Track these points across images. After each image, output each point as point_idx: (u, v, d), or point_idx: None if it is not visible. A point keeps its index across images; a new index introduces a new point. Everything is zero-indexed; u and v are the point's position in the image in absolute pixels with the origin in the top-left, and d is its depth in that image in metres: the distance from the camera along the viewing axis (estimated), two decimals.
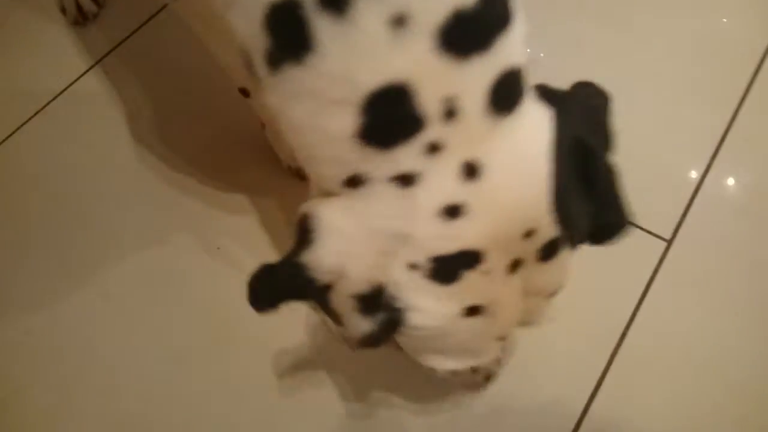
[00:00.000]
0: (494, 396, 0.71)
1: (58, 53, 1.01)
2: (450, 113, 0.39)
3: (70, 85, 0.98)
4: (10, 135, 0.95)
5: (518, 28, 0.41)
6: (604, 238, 0.48)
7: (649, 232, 0.79)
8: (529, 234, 0.42)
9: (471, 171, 0.40)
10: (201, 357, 0.77)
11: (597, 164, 0.44)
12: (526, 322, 0.50)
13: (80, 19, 1.03)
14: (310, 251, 0.42)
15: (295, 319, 0.78)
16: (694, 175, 0.84)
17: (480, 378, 0.65)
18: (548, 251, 0.44)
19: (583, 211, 0.45)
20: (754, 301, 0.76)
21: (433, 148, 0.39)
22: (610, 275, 0.75)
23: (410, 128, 0.39)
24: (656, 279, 0.76)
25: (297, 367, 0.76)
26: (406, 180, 0.40)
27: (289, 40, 0.38)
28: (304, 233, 0.43)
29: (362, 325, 0.44)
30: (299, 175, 0.86)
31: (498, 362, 0.65)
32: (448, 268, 0.42)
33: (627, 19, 0.98)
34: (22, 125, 0.96)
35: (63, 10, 1.04)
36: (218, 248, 0.84)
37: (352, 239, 0.42)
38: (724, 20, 0.95)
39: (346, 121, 0.39)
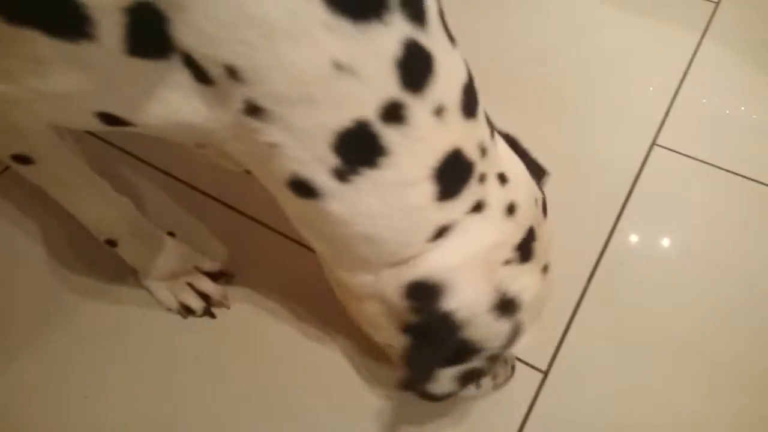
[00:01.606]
0: None
1: None
2: (483, 152, 0.51)
3: None
4: None
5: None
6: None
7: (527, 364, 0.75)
8: (536, 201, 0.58)
9: (503, 179, 0.54)
10: None
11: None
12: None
13: None
14: (451, 297, 0.51)
15: None
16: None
17: (508, 369, 0.72)
18: (545, 207, 0.61)
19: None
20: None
21: (482, 178, 0.51)
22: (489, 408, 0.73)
23: (467, 174, 0.50)
24: (533, 410, 0.72)
25: None
26: (478, 208, 0.51)
27: (361, 153, 0.45)
28: (432, 289, 0.51)
29: (503, 328, 0.55)
30: None
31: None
32: (525, 249, 0.55)
33: None
34: None
35: None
36: None
37: (471, 267, 0.52)
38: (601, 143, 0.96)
39: (425, 192, 0.48)
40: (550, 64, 1.07)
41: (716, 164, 0.93)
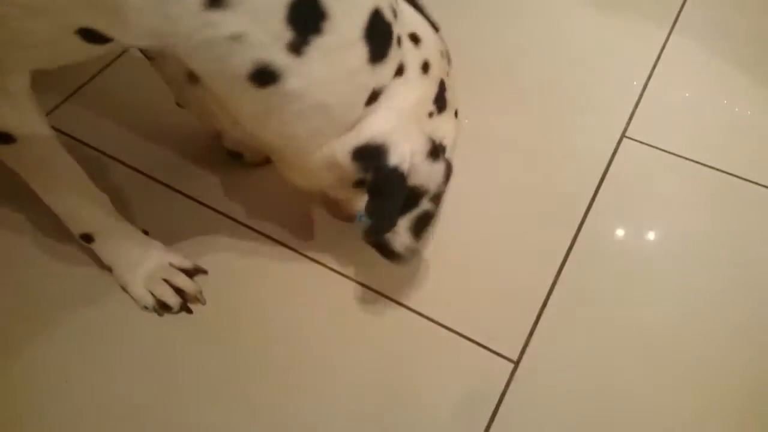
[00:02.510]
0: None
1: None
2: (395, 13, 0.57)
3: None
4: None
5: None
6: None
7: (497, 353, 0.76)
8: (443, 54, 0.66)
9: (415, 39, 0.61)
10: None
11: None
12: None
13: None
14: (393, 155, 0.58)
15: None
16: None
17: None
18: (448, 59, 0.69)
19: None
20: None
21: (399, 40, 0.58)
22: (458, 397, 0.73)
23: (389, 34, 0.56)
24: (504, 400, 0.72)
25: None
26: (400, 71, 0.59)
27: (309, 21, 0.49)
28: (377, 151, 0.58)
29: (439, 169, 0.63)
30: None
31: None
32: (441, 100, 0.65)
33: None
34: None
35: None
36: None
37: (404, 126, 0.59)
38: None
39: (361, 54, 0.53)
40: (521, 57, 1.08)
41: (685, 156, 0.95)
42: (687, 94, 1.03)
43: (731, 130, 0.98)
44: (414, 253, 0.68)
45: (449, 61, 0.69)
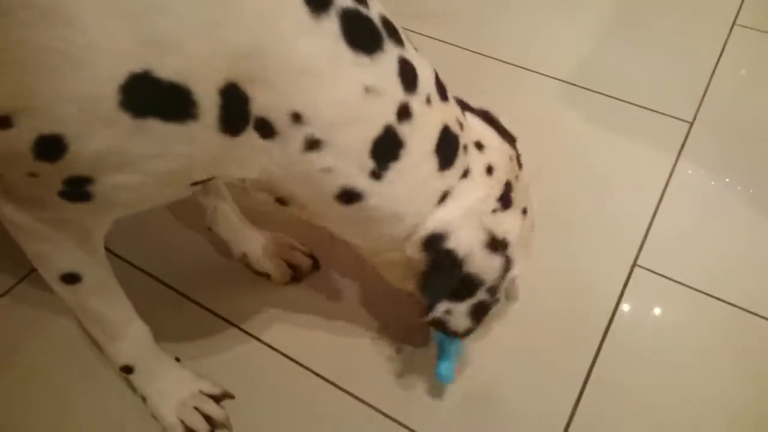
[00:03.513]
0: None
1: None
2: (461, 125, 0.67)
3: None
4: None
5: None
6: None
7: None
8: (511, 158, 0.74)
9: (479, 146, 0.70)
10: None
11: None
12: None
13: None
14: (451, 240, 0.66)
15: None
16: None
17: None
18: (519, 162, 0.78)
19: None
20: None
21: (465, 148, 0.67)
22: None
23: (455, 145, 0.65)
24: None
25: None
26: (465, 175, 0.67)
27: (388, 151, 0.60)
28: (436, 238, 0.65)
29: (496, 263, 0.69)
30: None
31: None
32: (506, 199, 0.71)
33: None
34: None
35: None
36: None
37: (465, 218, 0.66)
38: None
39: (432, 166, 0.63)
40: (534, 182, 1.13)
41: (694, 287, 0.98)
42: (695, 223, 1.08)
43: (738, 262, 1.02)
44: (473, 331, 0.75)
45: (520, 165, 0.77)
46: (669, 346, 0.92)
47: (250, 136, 0.55)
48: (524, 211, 0.74)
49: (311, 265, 0.97)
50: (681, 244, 1.05)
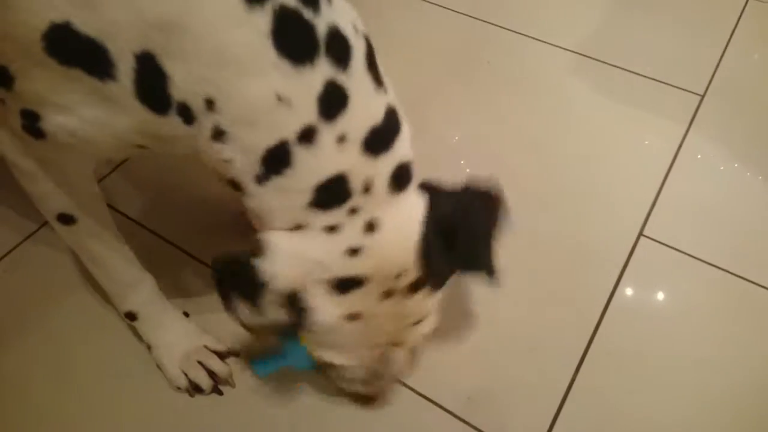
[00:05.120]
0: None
1: None
2: (367, 189, 0.60)
3: None
4: None
5: (405, 133, 0.63)
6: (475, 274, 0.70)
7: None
8: (399, 275, 0.63)
9: (371, 227, 0.61)
10: None
11: (458, 234, 0.66)
12: (397, 341, 0.69)
13: None
14: (265, 260, 0.59)
15: None
16: None
17: (382, 386, 0.78)
18: (413, 287, 0.65)
19: (443, 264, 0.67)
20: None
21: (352, 211, 0.60)
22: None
23: (342, 198, 0.59)
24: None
25: None
26: (332, 229, 0.60)
27: (276, 164, 0.57)
28: (258, 248, 0.60)
29: (280, 314, 0.61)
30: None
31: (396, 373, 0.75)
32: (343, 285, 0.62)
33: None
34: None
35: None
36: None
37: (290, 257, 0.60)
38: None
39: (305, 198, 0.59)
40: (540, 152, 1.13)
41: (700, 257, 0.98)
42: (703, 195, 1.07)
43: (745, 234, 1.02)
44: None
45: (414, 289, 0.65)
46: (672, 317, 0.92)
47: (174, 119, 0.55)
48: (352, 317, 0.63)
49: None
50: (688, 216, 1.04)
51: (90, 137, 0.58)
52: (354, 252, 0.60)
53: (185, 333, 0.83)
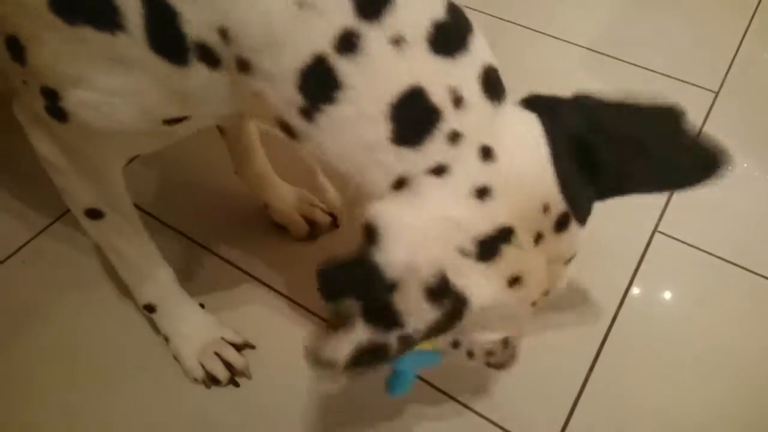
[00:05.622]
0: None
1: None
2: (457, 101, 0.47)
3: None
4: None
5: (479, 35, 0.51)
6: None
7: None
8: (545, 209, 0.50)
9: (487, 154, 0.47)
10: None
11: (597, 155, 0.52)
12: (550, 287, 0.56)
13: None
14: (383, 250, 0.45)
15: None
16: None
17: (511, 352, 0.64)
18: (562, 223, 0.51)
19: (583, 192, 0.53)
20: None
21: (454, 137, 0.47)
22: None
23: (431, 120, 0.46)
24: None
25: None
26: (440, 171, 0.47)
27: (321, 88, 0.46)
28: (371, 234, 0.46)
29: (429, 314, 0.46)
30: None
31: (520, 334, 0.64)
32: (489, 245, 0.48)
33: None
34: None
35: None
36: None
37: (417, 232, 0.46)
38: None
39: (381, 130, 0.46)
40: None
41: (715, 254, 0.98)
42: (718, 191, 1.06)
43: (761, 230, 1.01)
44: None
45: (562, 226, 0.52)
46: (688, 313, 0.92)
47: (197, 67, 0.48)
48: (513, 282, 0.50)
49: (330, 223, 0.97)
50: (703, 212, 1.04)
51: (115, 113, 0.53)
52: (482, 193, 0.47)
53: (203, 325, 0.83)
